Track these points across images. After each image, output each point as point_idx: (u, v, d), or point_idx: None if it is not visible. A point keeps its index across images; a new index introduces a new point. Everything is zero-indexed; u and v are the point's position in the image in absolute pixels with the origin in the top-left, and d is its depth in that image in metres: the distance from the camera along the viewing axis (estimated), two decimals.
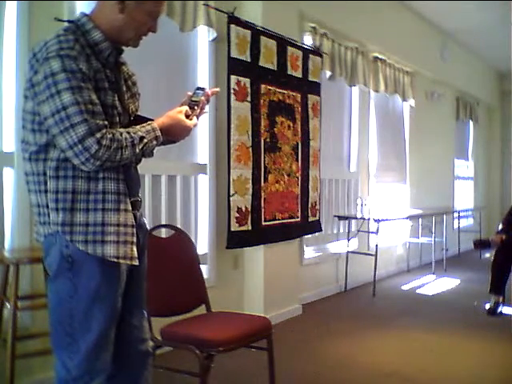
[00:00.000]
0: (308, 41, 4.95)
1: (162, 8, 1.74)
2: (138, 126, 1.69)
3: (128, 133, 1.64)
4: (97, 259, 1.63)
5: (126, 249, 1.66)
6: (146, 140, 1.66)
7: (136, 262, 1.70)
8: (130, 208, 1.71)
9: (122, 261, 1.66)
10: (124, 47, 1.78)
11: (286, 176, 4.44)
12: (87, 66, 1.58)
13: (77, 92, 1.53)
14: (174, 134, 1.78)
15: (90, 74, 1.58)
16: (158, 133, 1.70)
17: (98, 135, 1.55)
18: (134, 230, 1.71)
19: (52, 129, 1.56)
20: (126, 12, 1.66)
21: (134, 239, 1.70)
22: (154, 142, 1.70)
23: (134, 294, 1.86)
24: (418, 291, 5.72)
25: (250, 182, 4.05)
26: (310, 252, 5.22)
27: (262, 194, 4.17)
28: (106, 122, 1.59)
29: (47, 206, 1.63)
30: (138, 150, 1.65)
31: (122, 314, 1.80)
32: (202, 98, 1.84)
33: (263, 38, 4.15)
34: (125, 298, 1.80)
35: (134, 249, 1.70)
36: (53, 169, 1.61)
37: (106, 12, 1.67)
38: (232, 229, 3.90)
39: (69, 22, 1.67)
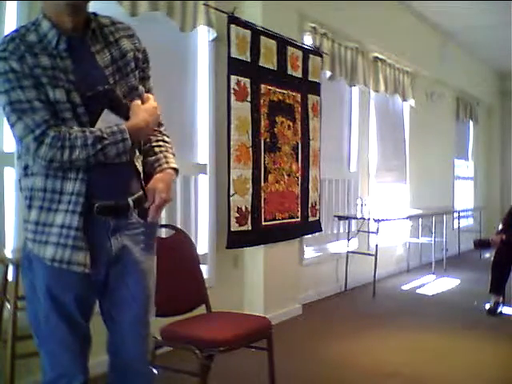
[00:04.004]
0: (308, 41, 4.95)
1: None
2: (103, 127, 1.55)
3: (83, 132, 1.52)
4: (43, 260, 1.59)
5: (64, 252, 1.56)
6: (106, 142, 1.53)
7: (76, 268, 1.57)
8: (80, 210, 1.56)
9: (56, 264, 1.56)
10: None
11: (285, 176, 4.43)
12: (19, 64, 1.50)
13: (11, 92, 1.50)
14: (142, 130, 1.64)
15: (25, 71, 1.50)
16: (126, 135, 1.56)
17: (37, 132, 1.49)
18: (80, 233, 1.57)
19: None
20: None
21: (79, 243, 1.57)
22: (120, 145, 1.55)
23: (119, 301, 1.72)
24: (418, 291, 5.72)
25: (250, 182, 4.05)
26: (310, 252, 5.21)
27: (262, 194, 4.17)
28: (47, 117, 1.50)
29: None
30: (92, 152, 1.52)
31: (111, 322, 1.74)
32: None
33: (263, 38, 4.15)
34: (110, 305, 1.72)
35: (77, 254, 1.57)
36: (22, 167, 1.62)
37: None
38: (232, 229, 3.90)
39: (33, 21, 1.61)
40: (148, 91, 1.75)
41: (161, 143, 1.78)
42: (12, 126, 1.54)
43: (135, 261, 1.71)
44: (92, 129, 1.54)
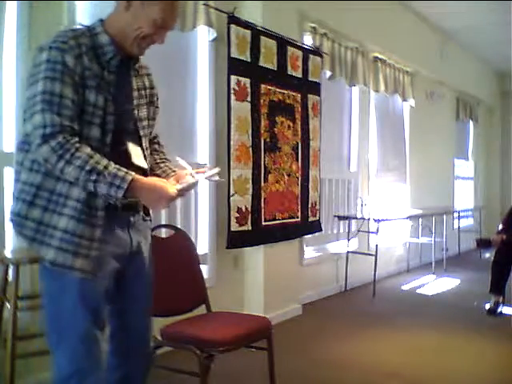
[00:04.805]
0: (308, 41, 4.95)
1: (167, 18, 1.71)
2: (116, 166, 1.59)
3: (89, 156, 1.55)
4: None
5: (65, 257, 1.61)
6: (101, 178, 1.55)
7: (77, 274, 1.62)
8: (86, 218, 1.62)
9: (57, 268, 1.61)
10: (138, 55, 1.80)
11: (285, 176, 4.43)
12: (76, 61, 1.59)
13: (49, 82, 1.55)
14: (146, 195, 1.67)
15: (77, 69, 1.59)
16: (124, 185, 1.57)
17: (48, 131, 1.53)
18: (85, 241, 1.63)
19: (24, 115, 1.60)
20: (130, 11, 1.68)
21: (82, 250, 1.62)
22: (113, 190, 1.56)
23: (134, 294, 1.86)
24: (418, 291, 5.72)
25: (250, 181, 4.05)
26: (310, 252, 5.21)
27: (262, 193, 4.17)
28: (67, 123, 1.56)
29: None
30: (83, 178, 1.55)
31: (122, 313, 1.85)
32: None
33: (263, 38, 4.15)
34: (124, 298, 1.83)
35: (78, 260, 1.62)
36: (29, 160, 1.64)
37: (115, 13, 1.72)
38: (232, 229, 3.90)
39: (87, 27, 1.74)
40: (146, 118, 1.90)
41: (164, 161, 1.98)
42: (31, 115, 1.55)
43: (145, 254, 1.88)
44: (102, 159, 1.58)
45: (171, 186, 1.69)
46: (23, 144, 1.66)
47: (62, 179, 1.61)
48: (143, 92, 1.86)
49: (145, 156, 1.82)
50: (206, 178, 1.82)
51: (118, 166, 1.60)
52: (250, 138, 4.04)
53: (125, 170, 1.61)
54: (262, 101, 4.15)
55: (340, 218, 5.69)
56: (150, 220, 1.95)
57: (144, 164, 1.79)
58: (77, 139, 1.57)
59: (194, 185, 1.80)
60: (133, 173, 1.62)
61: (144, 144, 1.83)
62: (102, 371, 1.73)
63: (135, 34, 1.69)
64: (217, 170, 1.86)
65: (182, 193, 1.74)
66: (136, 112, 1.81)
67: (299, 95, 4.60)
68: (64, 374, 1.67)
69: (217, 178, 1.84)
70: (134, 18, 1.68)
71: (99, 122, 1.65)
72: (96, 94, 1.63)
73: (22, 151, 1.66)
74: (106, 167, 1.57)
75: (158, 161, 1.96)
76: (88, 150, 1.58)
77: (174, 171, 1.90)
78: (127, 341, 1.88)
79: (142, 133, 1.82)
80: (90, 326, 1.68)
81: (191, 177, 1.79)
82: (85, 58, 1.62)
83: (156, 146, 2.00)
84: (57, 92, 1.55)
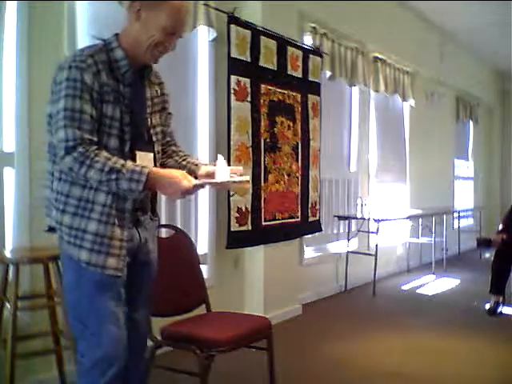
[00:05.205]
0: (308, 41, 4.95)
1: (175, 24, 1.79)
2: (133, 163, 1.72)
3: (107, 159, 1.67)
4: None
5: (98, 257, 1.75)
6: (121, 175, 1.66)
7: (109, 272, 1.76)
8: (114, 221, 1.77)
9: (91, 268, 1.74)
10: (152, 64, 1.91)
11: (285, 176, 4.43)
12: (93, 78, 1.71)
13: (70, 99, 1.67)
14: (163, 187, 1.75)
15: (95, 86, 1.71)
16: (143, 178, 1.67)
17: (70, 144, 1.66)
18: (115, 242, 1.77)
19: (48, 127, 1.77)
20: (141, 21, 1.76)
21: (113, 250, 1.77)
22: (133, 184, 1.67)
23: (137, 285, 1.96)
24: (418, 291, 5.72)
25: (250, 181, 4.05)
26: (309, 252, 5.21)
27: (262, 193, 4.17)
28: (87, 136, 1.67)
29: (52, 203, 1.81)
30: (105, 178, 1.66)
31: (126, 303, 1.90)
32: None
33: (263, 38, 4.15)
34: (130, 290, 1.89)
35: (111, 259, 1.76)
36: (57, 171, 1.78)
37: (128, 25, 1.81)
38: (232, 229, 3.90)
39: (103, 40, 1.83)
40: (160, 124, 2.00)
41: (185, 158, 2.07)
42: (56, 130, 1.69)
43: (151, 250, 2.01)
44: (119, 160, 1.70)
45: (189, 179, 1.76)
46: (49, 153, 1.80)
47: (87, 187, 1.74)
48: (156, 100, 1.97)
49: (155, 160, 1.92)
50: (234, 182, 1.93)
51: (134, 163, 1.73)
52: (250, 138, 4.04)
53: (139, 164, 1.73)
54: (262, 101, 4.15)
55: (340, 218, 5.69)
56: (157, 220, 2.05)
57: None
58: (95, 148, 1.69)
59: (218, 184, 1.93)
60: (149, 166, 1.75)
61: (156, 149, 1.94)
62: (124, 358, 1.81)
63: (148, 42, 1.78)
64: (247, 177, 1.98)
65: (199, 188, 1.84)
66: (149, 120, 1.92)
67: (299, 95, 4.60)
68: (92, 362, 1.75)
69: (247, 185, 1.94)
70: (144, 27, 1.77)
71: (117, 133, 1.77)
72: (113, 108, 1.76)
73: (49, 161, 1.81)
74: (123, 165, 1.68)
75: (179, 160, 2.05)
76: (106, 153, 1.69)
77: (203, 165, 2.00)
78: (129, 330, 1.91)
79: (154, 138, 1.93)
80: (115, 307, 1.78)
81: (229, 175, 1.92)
82: (102, 75, 1.74)
83: (173, 148, 2.10)
84: (77, 108, 1.67)
